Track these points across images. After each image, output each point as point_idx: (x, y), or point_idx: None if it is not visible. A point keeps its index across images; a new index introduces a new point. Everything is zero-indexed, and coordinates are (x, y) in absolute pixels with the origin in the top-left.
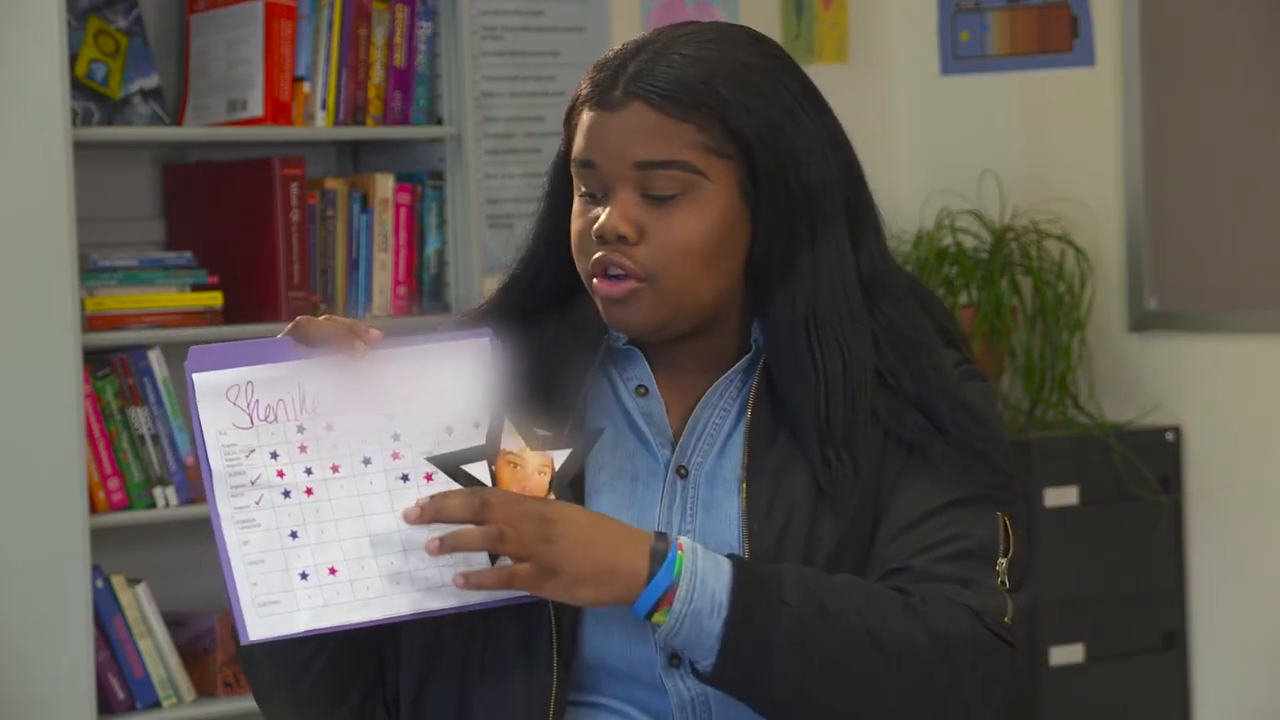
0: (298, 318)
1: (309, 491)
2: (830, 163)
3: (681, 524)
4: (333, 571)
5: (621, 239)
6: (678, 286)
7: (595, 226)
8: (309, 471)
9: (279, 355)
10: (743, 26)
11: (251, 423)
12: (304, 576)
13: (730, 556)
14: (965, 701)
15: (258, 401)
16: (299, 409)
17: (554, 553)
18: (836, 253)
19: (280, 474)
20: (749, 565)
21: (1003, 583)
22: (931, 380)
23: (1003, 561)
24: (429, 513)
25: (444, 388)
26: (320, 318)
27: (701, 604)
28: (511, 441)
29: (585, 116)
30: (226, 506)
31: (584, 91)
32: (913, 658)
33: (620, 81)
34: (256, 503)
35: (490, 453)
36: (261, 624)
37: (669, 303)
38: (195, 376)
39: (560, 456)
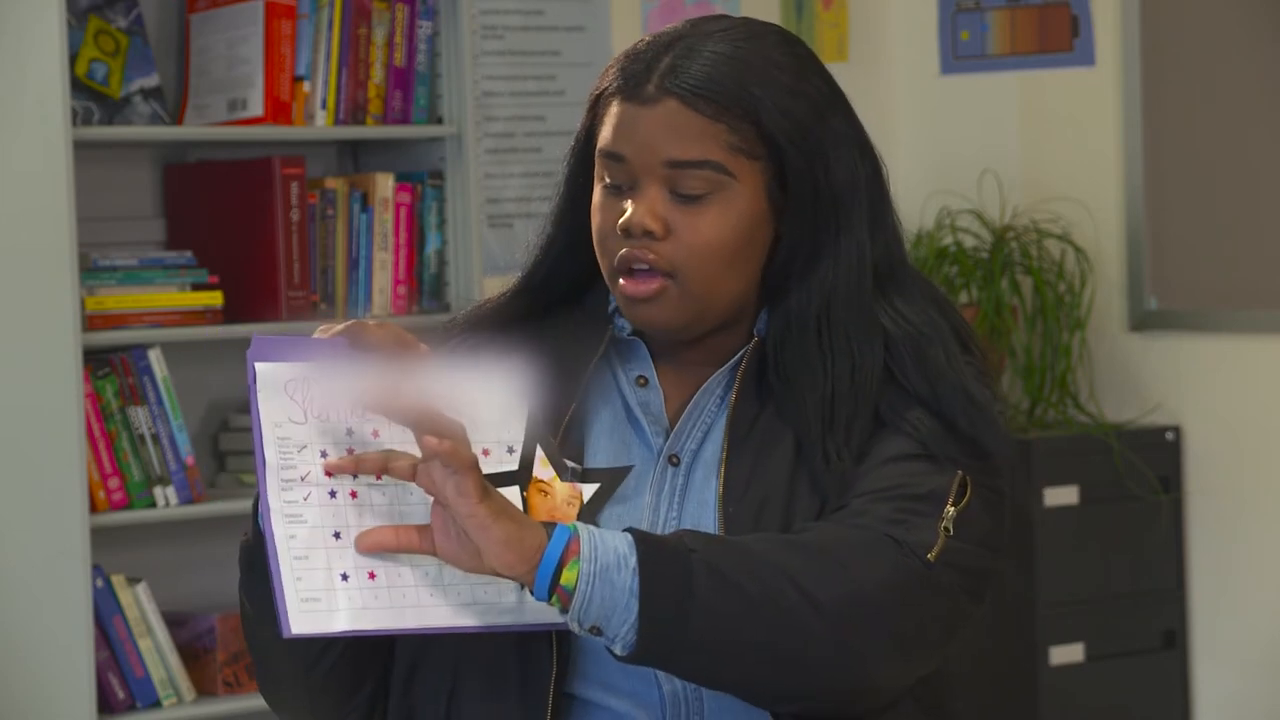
0: (351, 322)
1: (353, 495)
2: (858, 165)
3: (667, 512)
4: (371, 576)
5: (648, 234)
6: (702, 286)
7: (621, 220)
8: (354, 475)
9: (335, 354)
10: (772, 24)
11: (305, 418)
12: (345, 578)
13: (627, 529)
14: (903, 644)
15: (312, 399)
16: (349, 411)
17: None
18: (856, 253)
19: (328, 473)
20: (642, 530)
21: (946, 529)
22: (943, 372)
23: (950, 510)
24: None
25: (482, 411)
26: (372, 323)
27: (607, 559)
28: (543, 470)
29: (615, 108)
30: (277, 499)
31: (614, 81)
32: (836, 599)
33: (654, 76)
34: (305, 499)
35: (524, 479)
36: (303, 619)
37: (694, 303)
38: (258, 366)
39: (588, 490)
